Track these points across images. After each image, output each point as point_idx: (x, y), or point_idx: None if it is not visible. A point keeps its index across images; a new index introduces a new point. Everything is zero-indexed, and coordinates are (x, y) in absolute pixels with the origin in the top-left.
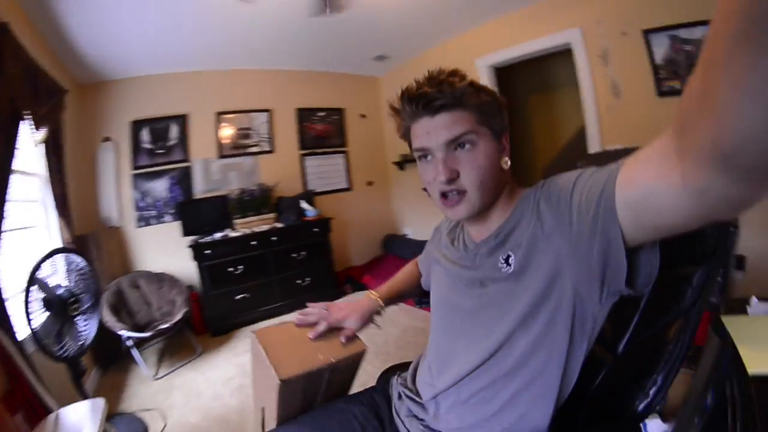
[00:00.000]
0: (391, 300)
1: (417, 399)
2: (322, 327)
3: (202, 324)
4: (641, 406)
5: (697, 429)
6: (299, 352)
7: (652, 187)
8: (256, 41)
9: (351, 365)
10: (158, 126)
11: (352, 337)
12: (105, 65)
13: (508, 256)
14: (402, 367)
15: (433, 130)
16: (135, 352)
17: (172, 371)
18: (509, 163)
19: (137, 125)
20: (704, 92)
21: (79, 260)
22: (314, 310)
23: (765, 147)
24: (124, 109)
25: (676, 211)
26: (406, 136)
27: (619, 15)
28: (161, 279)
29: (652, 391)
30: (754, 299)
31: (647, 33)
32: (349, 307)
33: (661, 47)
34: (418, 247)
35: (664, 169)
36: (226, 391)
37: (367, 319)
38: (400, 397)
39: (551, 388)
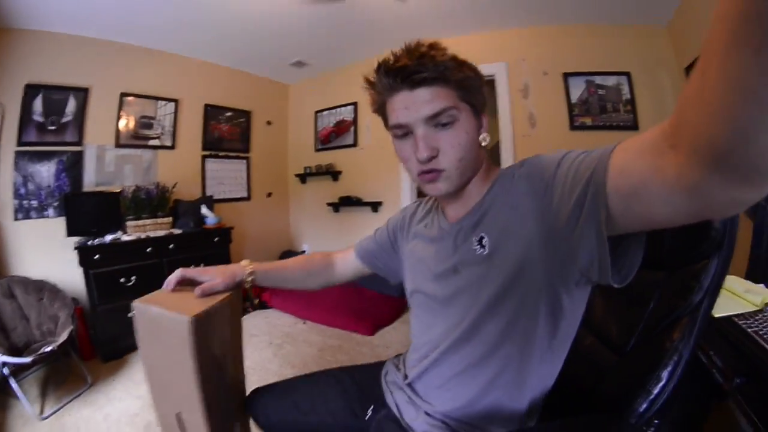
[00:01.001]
0: (267, 278)
1: (402, 379)
2: (174, 278)
3: (90, 346)
4: (643, 405)
5: None
6: (184, 303)
7: (645, 177)
8: (174, 20)
9: (226, 313)
10: (55, 96)
11: (210, 293)
12: (10, 8)
13: (482, 238)
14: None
15: (413, 105)
16: (14, 384)
17: (62, 407)
18: (488, 140)
19: (31, 90)
20: (701, 90)
21: None
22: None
23: (759, 149)
24: (21, 67)
25: (668, 205)
26: (380, 110)
27: (542, 57)
28: (41, 288)
29: (655, 389)
30: None
31: (566, 75)
32: (213, 268)
33: (577, 89)
34: None
35: (659, 162)
36: (135, 430)
37: (231, 282)
38: (387, 373)
39: (527, 377)
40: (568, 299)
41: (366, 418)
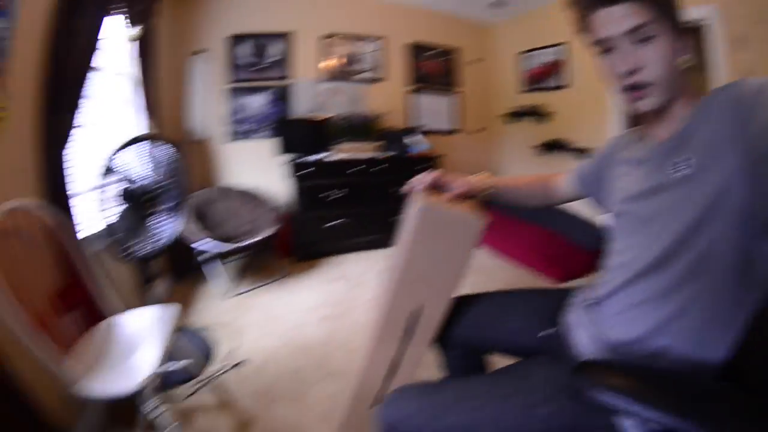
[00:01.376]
0: (503, 194)
1: (584, 301)
2: (432, 179)
3: (288, 247)
4: None
5: None
6: (458, 206)
7: None
8: None
9: None
10: (260, 42)
11: (462, 198)
12: None
13: (684, 159)
14: None
15: (611, 21)
16: (213, 265)
17: (251, 290)
18: (691, 62)
19: (237, 39)
20: None
21: (170, 150)
22: (421, 177)
23: None
24: (224, 22)
25: None
26: (582, 29)
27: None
28: (250, 194)
29: None
30: None
31: None
32: (461, 176)
33: None
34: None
35: None
36: (311, 319)
37: (475, 191)
38: (573, 296)
39: (705, 331)
40: (762, 246)
41: (539, 335)
